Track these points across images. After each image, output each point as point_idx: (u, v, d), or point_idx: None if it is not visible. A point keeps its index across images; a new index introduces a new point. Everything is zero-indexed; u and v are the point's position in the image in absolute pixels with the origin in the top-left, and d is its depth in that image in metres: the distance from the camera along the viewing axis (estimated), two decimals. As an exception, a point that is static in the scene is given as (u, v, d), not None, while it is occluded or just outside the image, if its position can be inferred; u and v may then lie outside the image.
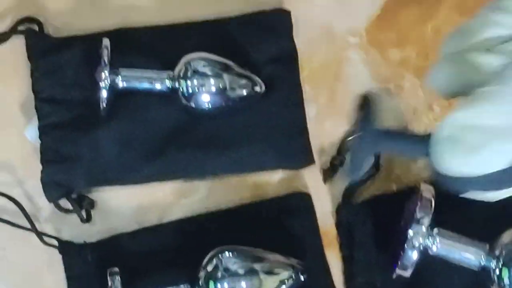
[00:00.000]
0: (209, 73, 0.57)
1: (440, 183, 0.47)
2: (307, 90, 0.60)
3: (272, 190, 0.60)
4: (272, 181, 0.60)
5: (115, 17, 0.62)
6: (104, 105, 0.57)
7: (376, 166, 0.58)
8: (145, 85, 0.58)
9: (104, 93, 0.56)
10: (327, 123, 0.60)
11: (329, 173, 0.58)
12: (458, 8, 0.62)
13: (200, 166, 0.59)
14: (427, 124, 0.60)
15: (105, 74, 0.56)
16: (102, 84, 0.56)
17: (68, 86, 0.59)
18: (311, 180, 0.60)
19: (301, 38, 0.61)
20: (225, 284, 0.53)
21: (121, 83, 0.57)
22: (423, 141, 0.46)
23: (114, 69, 0.57)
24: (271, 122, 0.60)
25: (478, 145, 0.43)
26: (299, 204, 0.59)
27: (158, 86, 0.58)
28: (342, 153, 0.58)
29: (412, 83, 0.61)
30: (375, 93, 0.48)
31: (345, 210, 0.58)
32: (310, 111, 0.60)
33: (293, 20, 0.61)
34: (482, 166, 0.44)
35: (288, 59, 0.61)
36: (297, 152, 0.60)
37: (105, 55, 0.57)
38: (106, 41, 0.57)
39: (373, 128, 0.47)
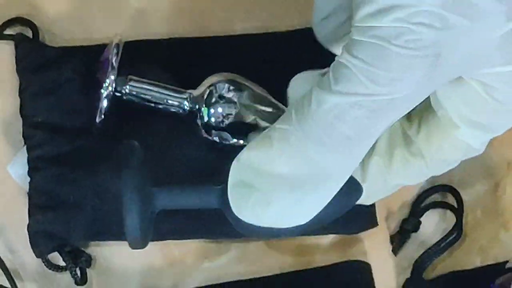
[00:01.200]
0: (236, 100, 0.54)
1: (240, 229, 0.46)
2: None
3: (321, 257, 0.56)
4: (322, 245, 0.56)
5: (126, 24, 0.58)
6: (102, 117, 0.53)
7: (458, 231, 0.54)
8: (158, 101, 0.54)
9: (104, 103, 0.52)
10: None
11: (398, 240, 0.54)
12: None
13: (231, 226, 0.51)
14: None
15: (110, 79, 0.52)
16: (104, 91, 0.52)
17: (68, 110, 0.54)
18: (373, 247, 0.56)
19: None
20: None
21: (127, 93, 0.53)
22: (213, 189, 0.46)
23: (122, 77, 0.53)
24: None
25: (271, 195, 0.42)
26: (355, 275, 0.55)
27: (174, 108, 0.54)
28: (415, 216, 0.54)
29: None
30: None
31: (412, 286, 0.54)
32: None
33: None
34: (281, 220, 0.44)
35: None
36: (357, 211, 0.51)
37: (114, 56, 0.53)
38: (117, 39, 0.53)
39: (144, 186, 0.46)
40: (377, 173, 0.45)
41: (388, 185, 0.46)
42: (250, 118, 0.53)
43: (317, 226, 0.48)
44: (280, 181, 0.42)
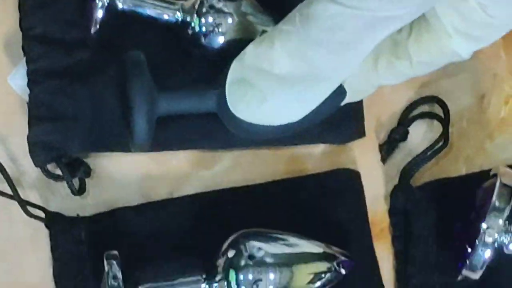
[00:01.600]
0: (228, 11, 0.55)
1: (233, 128, 0.49)
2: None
3: (312, 165, 0.58)
4: (314, 154, 0.58)
5: None
6: (97, 27, 0.54)
7: (444, 140, 0.56)
8: (151, 12, 0.55)
9: (99, 13, 0.53)
10: (386, 89, 0.56)
11: (387, 149, 0.55)
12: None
13: (226, 135, 0.55)
14: (509, 94, 0.58)
15: None
16: (99, 1, 0.53)
17: (67, 22, 0.55)
18: (363, 156, 0.57)
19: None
20: (249, 275, 0.50)
21: (121, 4, 0.54)
22: (211, 92, 0.48)
23: None
24: None
25: (267, 92, 0.45)
26: (345, 183, 0.57)
27: (166, 16, 0.55)
28: (404, 125, 0.56)
29: (492, 43, 0.56)
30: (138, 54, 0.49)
31: (401, 194, 0.55)
32: None
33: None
34: (273, 117, 0.46)
35: None
36: (345, 121, 0.57)
37: None
38: None
39: (151, 90, 0.48)
40: (361, 74, 0.47)
41: (370, 85, 0.48)
42: (252, 30, 0.55)
43: (305, 126, 0.50)
44: (278, 80, 0.44)
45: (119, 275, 0.51)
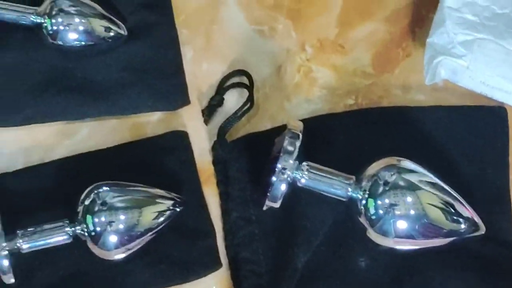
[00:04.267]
0: (73, 12, 0.59)
1: None
2: (184, 33, 0.62)
3: (151, 130, 0.61)
4: (151, 121, 0.61)
5: None
6: None
7: (250, 102, 0.60)
8: (11, 16, 0.59)
9: None
10: (204, 65, 0.61)
11: (208, 113, 0.60)
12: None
13: (79, 108, 0.60)
14: (300, 64, 0.62)
15: None
16: None
17: None
18: (190, 120, 0.61)
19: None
20: (102, 218, 0.54)
21: None
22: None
23: None
24: (147, 65, 0.61)
25: None
26: (177, 141, 0.60)
27: (23, 20, 0.59)
28: (220, 94, 0.60)
29: (285, 25, 0.63)
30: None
31: (220, 147, 0.59)
32: (187, 54, 0.62)
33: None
34: None
35: (161, 5, 0.62)
36: (173, 93, 0.61)
37: None
38: None
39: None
40: None
41: None
42: (86, 25, 0.59)
43: None
44: None
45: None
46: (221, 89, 0.60)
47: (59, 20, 0.58)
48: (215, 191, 0.60)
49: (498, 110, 0.60)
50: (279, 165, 0.52)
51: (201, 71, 0.61)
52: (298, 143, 0.53)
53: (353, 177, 0.54)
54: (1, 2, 0.58)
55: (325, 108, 0.61)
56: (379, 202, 0.52)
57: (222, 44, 0.62)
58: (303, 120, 0.56)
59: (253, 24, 0.63)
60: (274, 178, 0.52)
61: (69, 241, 0.55)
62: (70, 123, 0.61)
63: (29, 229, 0.55)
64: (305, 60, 0.62)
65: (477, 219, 0.55)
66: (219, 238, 0.59)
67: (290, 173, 0.52)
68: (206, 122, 0.60)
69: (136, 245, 0.55)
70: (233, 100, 0.60)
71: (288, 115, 0.60)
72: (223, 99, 0.60)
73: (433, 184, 0.53)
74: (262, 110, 0.60)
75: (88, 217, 0.54)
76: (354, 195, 0.53)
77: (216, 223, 0.59)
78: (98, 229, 0.54)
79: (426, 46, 0.60)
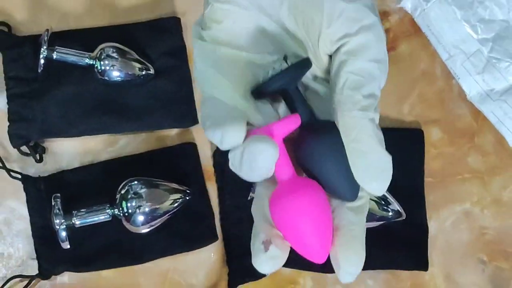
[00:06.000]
0: (116, 56, 0.66)
1: None
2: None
3: (170, 141, 0.69)
4: (171, 135, 0.69)
5: (62, 22, 0.70)
6: (41, 68, 0.64)
7: None
8: (72, 59, 0.66)
9: (42, 61, 0.65)
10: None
11: None
12: None
13: (119, 125, 0.68)
14: None
15: (43, 48, 0.65)
16: (41, 54, 0.65)
17: (27, 68, 0.67)
18: (198, 135, 0.69)
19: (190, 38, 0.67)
20: (133, 203, 0.61)
21: (55, 55, 0.66)
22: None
23: (51, 47, 0.65)
24: (168, 95, 0.68)
25: None
26: (188, 150, 0.69)
27: (80, 62, 0.66)
28: None
29: None
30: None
31: (218, 155, 0.68)
32: (197, 87, 0.68)
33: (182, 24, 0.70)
34: None
35: (179, 53, 0.70)
36: (186, 115, 0.69)
37: (45, 37, 0.65)
38: (48, 31, 0.65)
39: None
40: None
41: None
42: (124, 65, 0.65)
43: None
44: None
45: (60, 207, 0.62)
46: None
47: (106, 62, 0.66)
48: (214, 186, 0.69)
49: (417, 132, 0.69)
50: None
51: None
52: None
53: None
54: (66, 49, 0.66)
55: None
56: None
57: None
58: None
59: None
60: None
61: (109, 219, 0.63)
62: (112, 135, 0.69)
63: (81, 210, 0.63)
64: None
65: (400, 208, 0.65)
66: (216, 219, 0.68)
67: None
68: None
69: (157, 223, 0.63)
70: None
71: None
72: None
73: None
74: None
75: (123, 202, 0.63)
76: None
77: (214, 208, 0.68)
78: (130, 211, 0.62)
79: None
